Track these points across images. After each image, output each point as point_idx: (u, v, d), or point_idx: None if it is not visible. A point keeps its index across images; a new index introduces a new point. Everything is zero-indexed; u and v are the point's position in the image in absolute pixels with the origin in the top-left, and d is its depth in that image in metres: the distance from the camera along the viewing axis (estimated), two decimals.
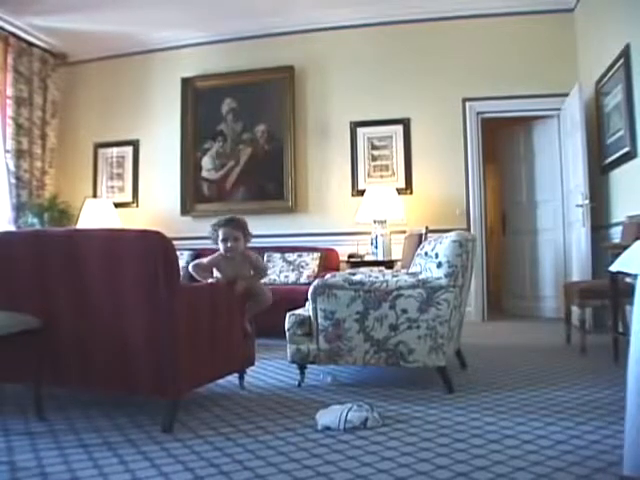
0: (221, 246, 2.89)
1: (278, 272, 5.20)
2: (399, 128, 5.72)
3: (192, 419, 2.31)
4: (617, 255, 1.83)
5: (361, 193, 5.56)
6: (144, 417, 2.32)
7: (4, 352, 2.31)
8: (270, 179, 5.90)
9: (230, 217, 2.98)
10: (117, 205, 6.17)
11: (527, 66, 5.47)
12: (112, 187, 6.44)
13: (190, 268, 2.90)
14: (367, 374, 3.19)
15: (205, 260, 2.93)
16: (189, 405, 2.49)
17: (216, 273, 2.92)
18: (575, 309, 3.88)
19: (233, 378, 2.85)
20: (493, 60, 5.57)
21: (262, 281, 4.63)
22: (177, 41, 6.23)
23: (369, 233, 5.37)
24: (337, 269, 5.23)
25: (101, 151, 6.47)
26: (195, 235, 5.55)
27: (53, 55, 6.29)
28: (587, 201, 4.70)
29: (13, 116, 5.70)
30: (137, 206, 6.34)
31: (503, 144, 6.42)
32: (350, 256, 5.30)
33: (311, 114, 5.94)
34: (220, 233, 2.88)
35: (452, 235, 2.78)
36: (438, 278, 2.70)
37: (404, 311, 2.69)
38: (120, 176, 6.43)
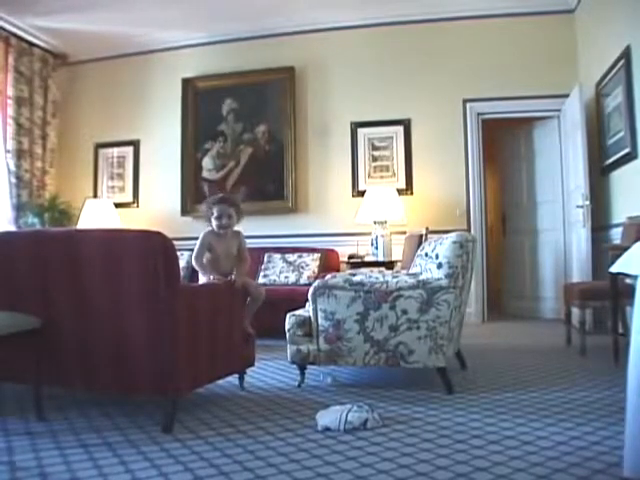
0: (214, 223, 2.89)
1: (278, 273, 5.20)
2: (399, 129, 5.72)
3: (192, 419, 2.31)
4: (617, 256, 1.83)
5: (361, 194, 5.56)
6: (144, 417, 2.32)
7: (4, 352, 2.32)
8: (270, 179, 5.90)
9: (223, 195, 3.03)
10: (117, 205, 6.17)
11: (527, 67, 5.47)
12: (112, 187, 6.44)
13: (193, 262, 2.89)
14: (367, 375, 3.19)
15: (195, 249, 2.90)
16: (189, 405, 2.49)
17: (206, 257, 2.91)
18: (575, 310, 3.89)
19: (233, 379, 2.85)
20: (494, 61, 5.57)
21: (262, 281, 4.64)
22: (178, 41, 6.23)
23: (369, 234, 5.36)
24: (337, 270, 5.23)
25: (102, 151, 6.47)
26: (195, 235, 5.48)
27: (53, 55, 6.29)
28: (587, 202, 4.70)
29: (14, 116, 5.70)
30: (137, 206, 6.34)
31: (503, 145, 6.42)
32: (350, 257, 5.30)
33: (312, 115, 5.94)
34: (215, 210, 2.89)
35: (452, 236, 2.78)
36: (438, 279, 2.70)
37: (404, 312, 2.69)
38: (120, 176, 6.43)
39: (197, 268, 2.86)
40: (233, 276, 2.80)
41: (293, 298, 4.10)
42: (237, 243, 2.96)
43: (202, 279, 2.92)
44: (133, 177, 6.37)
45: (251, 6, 5.62)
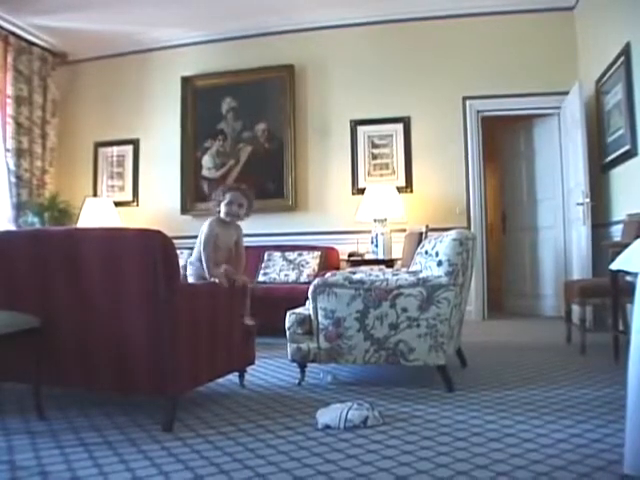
0: (224, 209, 2.86)
1: (278, 271, 5.20)
2: (399, 126, 5.71)
3: (192, 418, 2.31)
4: (617, 253, 1.83)
5: (361, 192, 5.56)
6: (144, 416, 2.32)
7: (4, 352, 2.31)
8: (270, 178, 5.89)
9: (239, 184, 3.02)
10: (117, 204, 6.17)
11: (527, 64, 5.46)
12: (112, 186, 6.44)
13: (202, 249, 2.80)
14: (367, 373, 3.19)
15: (205, 237, 2.84)
16: (189, 404, 2.49)
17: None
18: (575, 307, 3.89)
19: (233, 377, 2.85)
20: (493, 58, 5.57)
21: (262, 279, 4.62)
22: (177, 40, 6.22)
23: (369, 232, 5.36)
24: (337, 268, 5.23)
25: (101, 150, 6.47)
26: (195, 234, 5.52)
27: (53, 54, 6.28)
28: (587, 199, 4.70)
29: (13, 115, 5.70)
30: (137, 205, 6.34)
31: (503, 142, 6.41)
32: (350, 255, 5.29)
33: (311, 113, 5.93)
34: (228, 196, 2.86)
35: (452, 233, 2.77)
36: (438, 277, 2.70)
37: (404, 310, 2.69)
38: (120, 175, 6.43)
39: (203, 256, 2.78)
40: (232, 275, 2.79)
41: (293, 296, 4.10)
42: (236, 236, 2.95)
43: (190, 277, 2.87)
44: (133, 176, 6.37)
45: (250, 4, 5.61)
